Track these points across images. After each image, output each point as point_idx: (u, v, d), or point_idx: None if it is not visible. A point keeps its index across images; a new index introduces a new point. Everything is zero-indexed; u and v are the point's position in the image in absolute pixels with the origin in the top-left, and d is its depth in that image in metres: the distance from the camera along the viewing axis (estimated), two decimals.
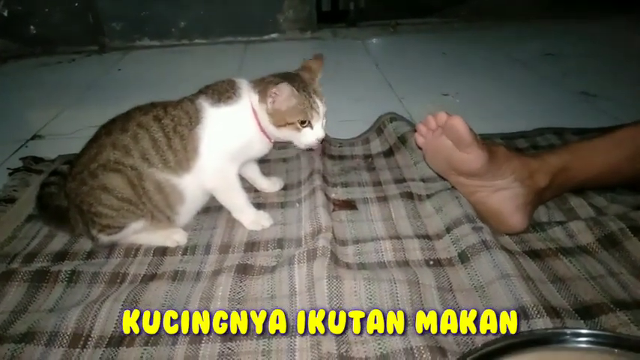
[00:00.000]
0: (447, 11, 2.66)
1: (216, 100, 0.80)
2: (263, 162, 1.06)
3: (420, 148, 0.86)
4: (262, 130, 0.81)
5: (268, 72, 0.85)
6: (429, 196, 0.91)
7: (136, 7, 2.18)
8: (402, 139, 1.09)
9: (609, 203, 0.86)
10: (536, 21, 2.41)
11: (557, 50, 1.90)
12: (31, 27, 2.14)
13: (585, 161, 0.82)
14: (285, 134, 0.81)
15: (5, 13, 2.09)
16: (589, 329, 0.53)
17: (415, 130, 1.08)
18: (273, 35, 2.29)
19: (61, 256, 0.81)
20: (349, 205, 0.92)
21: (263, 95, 0.79)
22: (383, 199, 0.93)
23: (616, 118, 1.24)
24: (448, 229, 0.81)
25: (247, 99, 0.81)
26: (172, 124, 0.77)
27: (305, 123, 0.79)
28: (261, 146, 0.84)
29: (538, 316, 0.62)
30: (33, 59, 2.09)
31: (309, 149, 0.85)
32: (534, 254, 0.76)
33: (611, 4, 2.58)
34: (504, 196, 0.79)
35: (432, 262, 0.76)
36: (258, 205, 0.91)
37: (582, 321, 0.62)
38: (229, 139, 0.81)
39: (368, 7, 2.46)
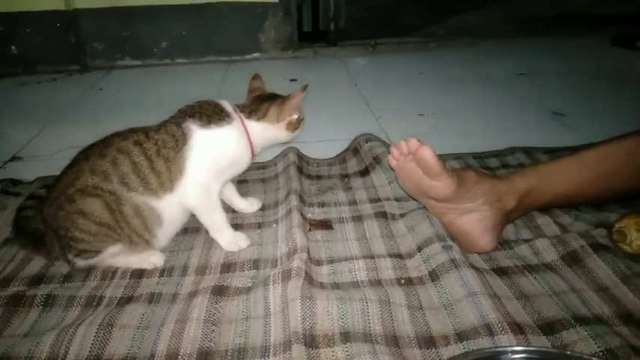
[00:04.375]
0: (424, 31, 2.74)
1: (205, 122, 0.82)
2: (241, 182, 1.08)
3: (392, 170, 0.89)
4: (251, 146, 0.87)
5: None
6: (402, 216, 0.94)
7: (118, 27, 2.20)
8: (377, 160, 1.12)
9: (573, 221, 0.89)
10: (509, 40, 2.49)
11: (529, 69, 1.97)
12: (12, 47, 2.14)
13: (552, 182, 0.86)
14: (292, 136, 0.91)
15: None
16: (526, 346, 0.59)
17: (390, 152, 1.12)
18: (255, 55, 2.32)
19: (37, 279, 0.81)
20: (325, 225, 0.94)
21: (277, 113, 0.88)
22: (358, 219, 0.95)
23: (584, 137, 1.29)
24: (419, 248, 0.84)
25: (238, 120, 0.86)
26: (155, 147, 0.79)
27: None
28: (245, 162, 0.90)
29: (502, 332, 0.64)
30: (13, 79, 2.08)
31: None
32: (501, 271, 0.79)
33: (582, 24, 2.69)
34: (473, 218, 0.82)
35: (403, 281, 0.78)
36: (236, 226, 0.92)
37: (545, 337, 0.65)
38: (219, 157, 0.84)
39: (348, 27, 2.52)
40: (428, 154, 0.76)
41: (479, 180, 0.82)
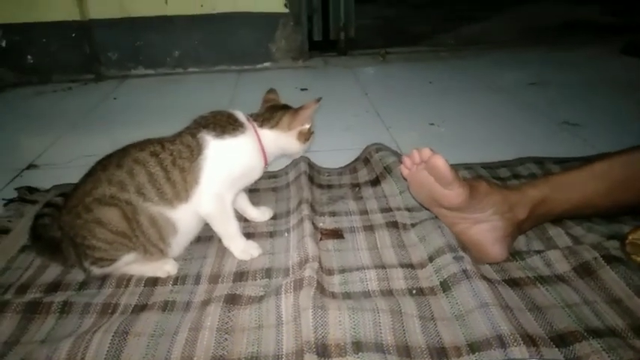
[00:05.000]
0: (434, 40, 2.75)
1: (219, 133, 0.84)
2: (253, 191, 1.10)
3: (405, 179, 0.90)
4: (264, 155, 0.89)
5: (260, 100, 0.96)
6: (413, 225, 0.94)
7: (132, 37, 2.24)
8: (388, 169, 1.13)
9: (586, 232, 0.89)
10: (519, 49, 2.49)
11: (539, 79, 1.96)
12: (29, 56, 2.19)
13: (563, 193, 0.86)
14: (302, 147, 0.92)
15: (3, 44, 2.14)
16: (538, 358, 0.58)
17: (401, 161, 1.13)
18: (266, 64, 2.35)
19: (54, 287, 0.82)
20: (336, 234, 0.95)
21: (289, 122, 0.89)
22: (369, 228, 0.96)
23: (594, 147, 1.29)
24: (431, 259, 0.84)
25: (251, 129, 0.88)
26: (171, 157, 0.81)
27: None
28: (258, 171, 0.91)
29: (515, 344, 0.64)
30: (30, 88, 2.13)
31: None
32: (513, 283, 0.79)
33: (591, 33, 2.69)
34: (484, 228, 0.82)
35: (414, 291, 0.78)
36: (248, 235, 0.93)
37: (557, 349, 0.65)
38: (234, 166, 0.86)
39: (358, 36, 2.53)
40: (441, 162, 0.77)
41: (490, 191, 0.83)
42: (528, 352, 0.63)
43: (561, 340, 0.67)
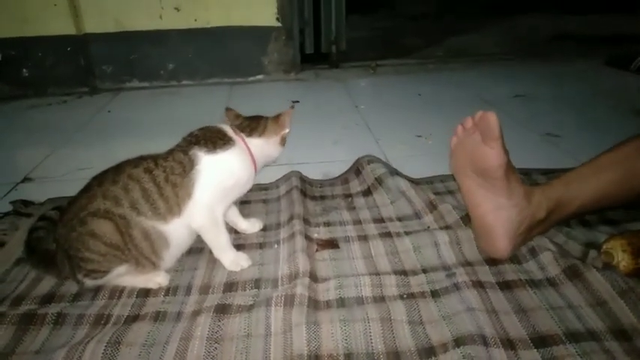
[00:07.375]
0: (424, 52, 2.81)
1: (210, 148, 0.87)
2: (243, 203, 1.12)
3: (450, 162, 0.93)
4: (254, 164, 0.93)
5: (253, 112, 0.99)
6: (407, 234, 0.97)
7: (126, 51, 2.27)
8: (379, 180, 1.16)
9: (566, 239, 0.92)
10: (506, 62, 2.54)
11: (525, 91, 2.01)
12: (24, 70, 2.21)
13: (575, 191, 0.88)
14: (280, 150, 0.97)
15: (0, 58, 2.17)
16: None
17: (391, 172, 1.17)
18: (259, 77, 2.38)
19: (48, 298, 0.84)
20: (332, 244, 0.97)
21: (274, 128, 0.95)
22: (363, 238, 0.98)
23: (576, 159, 1.32)
24: (424, 270, 0.87)
25: (240, 140, 0.91)
26: (164, 174, 0.83)
27: None
28: (250, 181, 0.94)
29: (495, 346, 0.68)
30: (25, 101, 2.14)
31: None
32: (505, 285, 0.82)
33: (577, 45, 2.75)
34: (502, 217, 0.84)
35: (405, 296, 0.81)
36: (238, 246, 0.95)
37: (536, 350, 0.68)
38: (227, 179, 0.89)
39: (349, 49, 2.58)
40: (493, 117, 0.82)
41: (520, 182, 0.87)
42: (507, 354, 0.66)
43: (542, 341, 0.69)
